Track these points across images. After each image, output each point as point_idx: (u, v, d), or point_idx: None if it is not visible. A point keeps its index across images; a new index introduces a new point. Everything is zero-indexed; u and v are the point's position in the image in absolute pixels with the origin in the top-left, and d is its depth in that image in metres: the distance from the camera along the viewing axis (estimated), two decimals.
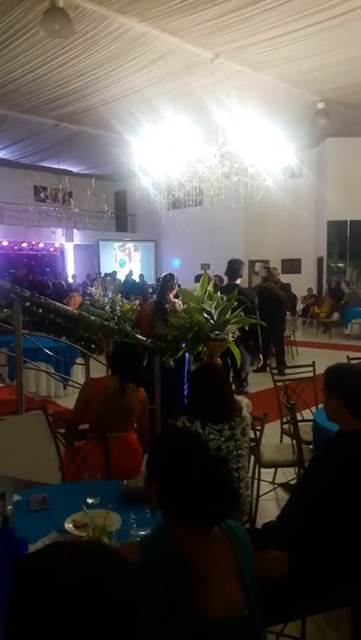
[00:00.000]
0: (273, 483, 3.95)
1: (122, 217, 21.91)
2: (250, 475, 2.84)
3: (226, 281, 6.26)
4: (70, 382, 6.18)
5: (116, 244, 20.56)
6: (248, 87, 9.73)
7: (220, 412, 2.61)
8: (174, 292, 5.58)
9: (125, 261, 20.54)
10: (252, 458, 2.90)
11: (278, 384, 4.22)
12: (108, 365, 3.59)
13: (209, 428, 2.54)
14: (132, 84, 9.53)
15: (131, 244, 20.91)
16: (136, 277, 17.30)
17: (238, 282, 5.63)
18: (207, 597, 1.26)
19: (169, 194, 8.80)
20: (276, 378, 4.42)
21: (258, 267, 11.72)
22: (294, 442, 3.38)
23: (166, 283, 5.68)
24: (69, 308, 4.38)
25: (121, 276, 17.42)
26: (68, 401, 5.33)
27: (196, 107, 9.66)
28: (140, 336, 4.28)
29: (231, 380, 5.45)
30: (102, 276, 16.61)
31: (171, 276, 5.80)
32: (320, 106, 11.11)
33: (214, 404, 2.61)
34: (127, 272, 17.90)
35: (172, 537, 1.32)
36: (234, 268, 5.65)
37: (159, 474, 1.38)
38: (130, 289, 13.60)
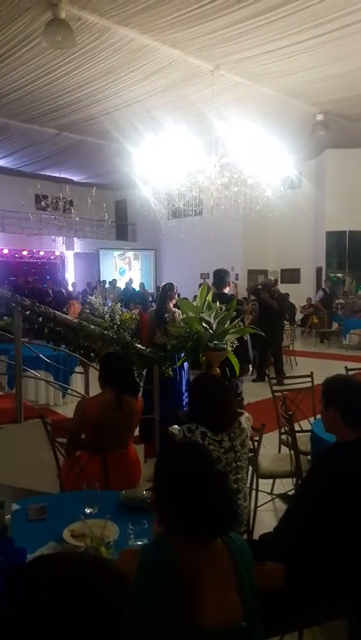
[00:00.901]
0: (271, 493, 3.94)
1: (122, 226, 22.01)
2: (248, 485, 2.85)
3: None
4: (69, 391, 6.18)
5: (117, 253, 20.63)
6: (248, 99, 9.82)
7: (220, 421, 2.62)
8: (174, 301, 5.59)
9: (125, 270, 20.60)
10: (250, 468, 2.91)
11: (277, 394, 4.22)
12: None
13: (209, 439, 2.55)
14: (132, 95, 9.62)
15: (131, 253, 20.98)
16: (136, 286, 17.34)
17: (226, 290, 5.67)
18: (205, 607, 1.26)
19: (169, 203, 8.85)
20: (275, 388, 4.43)
21: (260, 278, 11.81)
22: (292, 452, 3.38)
23: (166, 292, 5.68)
24: (69, 316, 4.39)
25: (121, 285, 17.47)
26: (68, 409, 5.33)
27: (196, 118, 9.75)
28: (139, 345, 4.29)
29: None
30: (102, 284, 16.66)
31: (170, 285, 5.81)
32: (319, 117, 11.21)
33: (215, 413, 2.63)
34: (127, 280, 17.95)
35: (172, 546, 1.33)
36: (220, 277, 5.69)
37: (160, 487, 1.39)
38: (129, 297, 13.63)
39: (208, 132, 8.19)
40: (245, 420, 2.72)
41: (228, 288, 5.70)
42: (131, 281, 17.29)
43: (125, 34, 7.38)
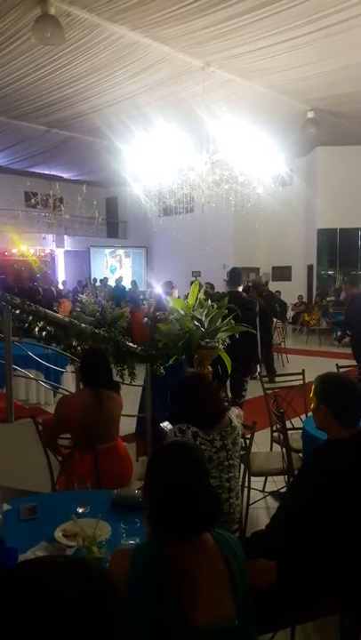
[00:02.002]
0: (263, 491, 3.95)
1: (113, 223, 21.93)
2: (240, 483, 2.85)
3: (217, 289, 6.39)
4: (61, 390, 6.15)
5: (107, 251, 20.57)
6: (238, 96, 9.81)
7: (209, 419, 2.62)
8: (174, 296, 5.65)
9: (116, 268, 20.55)
10: (243, 466, 2.91)
11: (268, 392, 4.23)
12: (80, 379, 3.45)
13: (200, 438, 2.55)
14: (123, 92, 9.58)
15: (122, 251, 20.93)
16: (127, 284, 17.30)
17: (240, 289, 5.74)
18: (197, 606, 1.26)
19: (160, 201, 8.82)
20: (267, 386, 4.44)
21: (252, 276, 11.82)
22: (284, 450, 3.39)
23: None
24: (59, 315, 4.36)
25: (112, 283, 17.41)
26: None
27: (186, 115, 9.72)
28: (130, 344, 4.27)
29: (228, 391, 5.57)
30: (93, 282, 16.61)
31: (168, 283, 5.85)
32: (310, 115, 11.23)
33: (203, 412, 2.62)
34: (117, 278, 17.90)
35: (164, 545, 1.33)
36: (234, 275, 5.79)
37: (148, 486, 1.40)
38: (120, 295, 13.59)
39: (199, 129, 8.18)
40: (236, 417, 2.72)
41: (242, 287, 5.79)
42: (120, 279, 17.24)
43: (115, 30, 7.34)
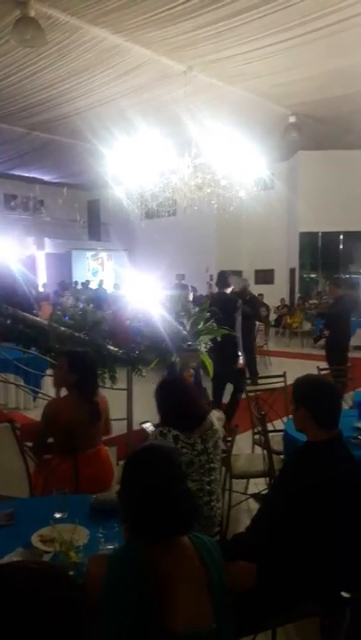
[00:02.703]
0: (245, 493, 3.95)
1: (95, 226, 21.82)
2: (223, 486, 2.85)
3: (199, 292, 6.63)
4: (40, 395, 6.08)
5: (89, 254, 20.45)
6: (221, 100, 9.85)
7: (190, 422, 2.61)
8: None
9: (98, 271, 20.44)
10: (224, 469, 2.91)
11: (250, 394, 4.24)
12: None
13: (181, 442, 2.54)
14: (104, 95, 9.55)
15: (104, 254, 20.83)
16: (110, 287, 17.23)
17: (228, 291, 6.09)
18: (175, 610, 1.25)
19: (142, 204, 8.81)
20: (249, 388, 4.45)
21: (235, 279, 11.83)
22: (265, 452, 3.40)
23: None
24: (38, 319, 4.32)
25: (94, 286, 17.32)
26: (39, 413, 5.23)
27: (168, 118, 9.73)
28: (111, 347, 4.25)
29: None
30: (75, 285, 16.50)
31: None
32: (291, 119, 11.31)
33: (184, 415, 2.62)
34: (100, 281, 17.84)
35: (141, 550, 1.32)
36: (223, 277, 6.19)
37: (123, 489, 1.39)
38: (102, 299, 13.52)
39: (181, 132, 8.19)
40: (217, 420, 2.72)
41: (230, 289, 6.11)
42: (101, 282, 17.16)
43: (97, 33, 7.32)
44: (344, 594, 1.47)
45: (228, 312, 5.61)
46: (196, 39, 7.54)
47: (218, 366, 5.16)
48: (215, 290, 7.10)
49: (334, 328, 7.07)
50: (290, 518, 1.89)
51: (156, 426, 2.72)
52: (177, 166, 7.99)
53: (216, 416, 2.75)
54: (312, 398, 2.09)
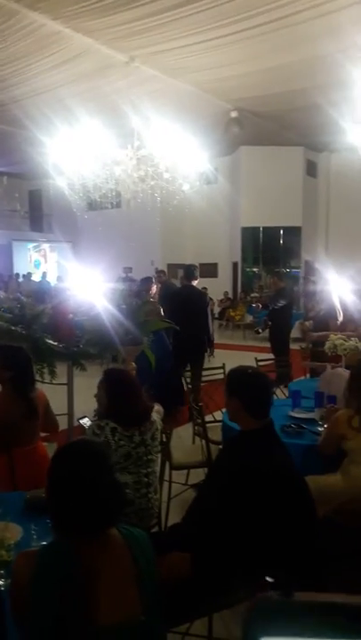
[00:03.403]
0: (185, 484, 4.01)
1: (37, 217, 21.23)
2: (162, 477, 2.87)
3: None
4: None
5: (31, 245, 19.94)
6: (163, 92, 9.81)
7: (131, 416, 2.62)
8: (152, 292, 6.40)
9: (41, 262, 19.98)
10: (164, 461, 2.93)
11: (189, 386, 4.30)
12: None
13: (119, 434, 2.55)
14: (44, 84, 9.29)
15: (46, 245, 20.36)
16: (54, 280, 16.89)
17: (194, 283, 6.29)
18: (102, 604, 1.26)
19: (85, 195, 8.69)
20: (189, 380, 4.50)
21: (180, 273, 11.91)
22: (203, 442, 3.46)
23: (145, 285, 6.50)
24: None
25: (36, 278, 16.91)
26: None
27: (110, 109, 9.60)
28: (50, 341, 4.17)
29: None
30: (16, 277, 16.06)
31: (148, 279, 6.81)
32: (233, 114, 11.43)
33: (126, 409, 2.62)
34: (42, 274, 17.44)
35: (69, 545, 1.33)
36: (189, 271, 6.40)
37: (47, 486, 1.38)
38: (45, 291, 13.25)
39: (124, 124, 8.11)
40: (156, 413, 2.75)
41: (196, 281, 6.33)
42: (45, 274, 16.78)
43: (35, 18, 7.09)
44: (268, 578, 1.52)
45: (200, 305, 5.99)
46: (139, 29, 7.46)
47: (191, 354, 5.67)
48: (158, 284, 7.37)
49: (277, 319, 7.29)
50: (221, 506, 1.93)
51: (93, 419, 2.70)
52: (120, 158, 7.92)
53: (155, 409, 2.78)
54: (243, 388, 2.15)
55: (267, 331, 7.56)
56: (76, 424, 4.18)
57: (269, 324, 7.38)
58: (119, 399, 2.65)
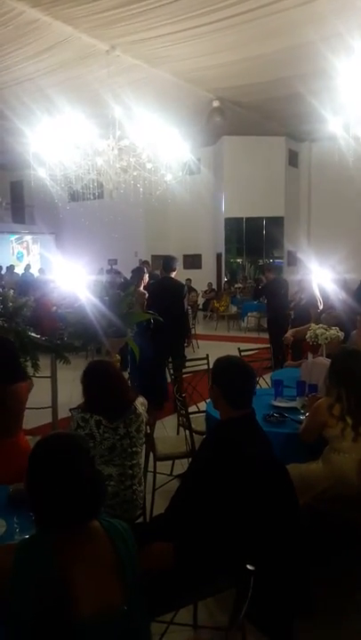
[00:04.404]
0: (170, 475, 4.03)
1: (19, 208, 20.98)
2: (148, 468, 2.88)
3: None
4: None
5: (13, 237, 19.72)
6: (144, 82, 9.73)
7: (115, 408, 2.62)
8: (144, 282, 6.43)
9: (24, 254, 19.78)
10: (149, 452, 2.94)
11: (173, 377, 4.31)
12: None
13: (104, 427, 2.55)
14: (23, 72, 9.14)
15: (29, 237, 20.15)
16: (36, 271, 16.75)
17: (173, 275, 6.30)
18: (82, 596, 1.27)
19: (66, 185, 8.59)
20: (173, 370, 4.51)
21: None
22: (187, 433, 3.48)
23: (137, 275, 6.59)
24: None
25: (19, 271, 16.75)
26: None
27: (91, 99, 9.50)
28: (33, 334, 4.15)
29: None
30: None
31: (140, 269, 6.86)
32: (215, 104, 11.38)
33: (110, 401, 2.62)
34: (25, 266, 17.28)
35: (47, 537, 1.33)
36: (168, 262, 6.38)
37: (26, 479, 1.38)
38: (28, 284, 13.13)
39: (105, 114, 8.02)
40: (140, 405, 2.75)
41: (174, 273, 6.33)
42: (28, 266, 16.61)
43: (14, 5, 6.96)
44: (249, 566, 1.55)
45: (178, 296, 6.03)
46: (119, 18, 7.36)
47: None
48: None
49: (272, 299, 7.73)
50: (201, 496, 1.95)
51: (77, 411, 2.70)
52: (102, 148, 7.85)
53: (139, 401, 2.78)
54: (223, 377, 2.17)
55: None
56: (63, 415, 4.18)
57: (263, 300, 7.71)
58: (102, 392, 2.64)
